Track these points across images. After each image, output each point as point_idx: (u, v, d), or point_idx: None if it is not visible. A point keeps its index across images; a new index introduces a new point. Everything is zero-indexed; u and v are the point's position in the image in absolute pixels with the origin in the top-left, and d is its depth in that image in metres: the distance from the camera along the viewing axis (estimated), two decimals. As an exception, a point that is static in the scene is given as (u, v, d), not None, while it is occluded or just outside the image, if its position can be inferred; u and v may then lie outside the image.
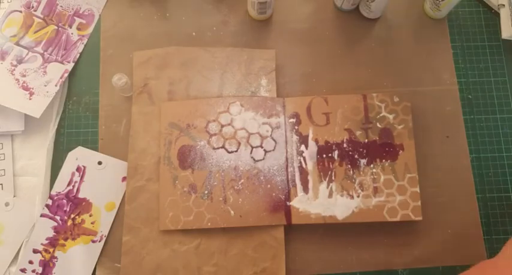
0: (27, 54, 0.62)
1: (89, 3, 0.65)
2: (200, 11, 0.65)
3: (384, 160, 0.57)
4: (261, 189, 0.56)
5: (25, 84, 0.60)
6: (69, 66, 0.62)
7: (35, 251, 0.56)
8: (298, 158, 0.57)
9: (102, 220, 0.58)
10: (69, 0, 0.65)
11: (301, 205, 0.56)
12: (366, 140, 0.57)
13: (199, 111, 0.59)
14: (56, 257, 0.56)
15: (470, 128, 0.62)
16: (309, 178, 0.56)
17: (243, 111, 0.59)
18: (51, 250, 0.56)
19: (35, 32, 0.63)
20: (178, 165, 0.57)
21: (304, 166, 0.57)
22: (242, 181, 0.57)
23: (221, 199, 0.56)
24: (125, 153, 0.59)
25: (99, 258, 0.56)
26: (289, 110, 0.59)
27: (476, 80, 0.64)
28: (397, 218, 0.55)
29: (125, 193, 0.58)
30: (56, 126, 0.61)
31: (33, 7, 0.63)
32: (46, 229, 0.57)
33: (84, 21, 0.65)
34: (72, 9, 0.65)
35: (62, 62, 0.62)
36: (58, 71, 0.62)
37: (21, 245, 0.56)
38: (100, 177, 0.59)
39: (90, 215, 0.57)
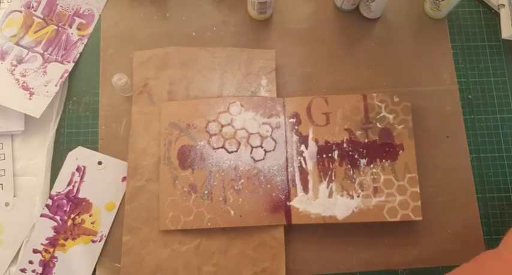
0: (27, 54, 0.62)
1: (89, 3, 0.65)
2: (200, 11, 0.65)
3: (383, 160, 0.57)
4: (261, 189, 0.56)
5: (25, 84, 0.60)
6: (69, 66, 0.62)
7: (35, 251, 0.56)
8: (298, 158, 0.57)
9: (102, 220, 0.58)
10: (69, 0, 0.65)
11: (301, 205, 0.56)
12: (366, 140, 0.57)
13: (199, 111, 0.59)
14: (56, 257, 0.56)
15: (470, 128, 0.62)
16: (309, 178, 0.56)
17: (243, 111, 0.59)
18: (51, 250, 0.56)
19: (35, 32, 0.63)
20: (178, 165, 0.57)
21: (304, 166, 0.57)
22: (242, 181, 0.57)
23: (221, 199, 0.56)
24: (125, 153, 0.59)
25: (99, 258, 0.56)
26: (289, 110, 0.59)
27: (476, 80, 0.64)
28: (397, 218, 0.55)
29: (125, 193, 0.58)
30: (56, 126, 0.61)
31: (33, 7, 0.63)
32: (46, 229, 0.57)
33: (84, 21, 0.65)
34: (72, 9, 0.65)
35: (62, 62, 0.62)
36: (58, 71, 0.62)
37: (21, 245, 0.56)
38: (100, 177, 0.59)
39: (90, 215, 0.57)
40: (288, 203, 0.56)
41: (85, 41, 0.64)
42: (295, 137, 0.58)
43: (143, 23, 0.65)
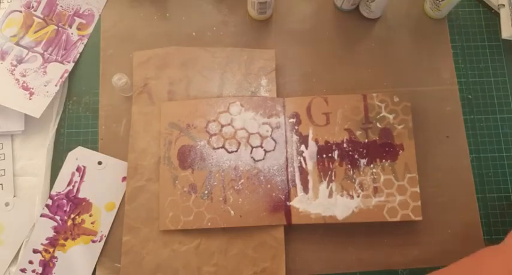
0: (27, 54, 0.62)
1: (89, 3, 0.65)
2: (200, 11, 0.65)
3: (384, 160, 0.57)
4: (261, 189, 0.56)
5: (25, 84, 0.60)
6: (69, 66, 0.62)
7: (35, 251, 0.56)
8: (298, 158, 0.57)
9: (102, 220, 0.58)
10: (69, 0, 0.65)
11: (301, 205, 0.56)
12: (366, 140, 0.57)
13: (199, 111, 0.59)
14: (56, 257, 0.56)
15: (470, 128, 0.62)
16: (309, 178, 0.56)
17: (243, 111, 0.59)
18: (51, 250, 0.56)
19: (35, 32, 0.63)
20: (178, 165, 0.57)
21: (304, 166, 0.57)
22: (242, 181, 0.57)
23: (221, 199, 0.56)
24: (125, 153, 0.59)
25: (99, 258, 0.56)
26: (289, 110, 0.59)
27: (476, 80, 0.64)
28: (397, 218, 0.55)
29: (125, 193, 0.58)
30: (56, 126, 0.61)
31: (33, 7, 0.63)
32: (46, 229, 0.57)
33: (84, 21, 0.65)
34: (72, 9, 0.65)
35: (62, 62, 0.62)
36: (58, 71, 0.62)
37: (21, 245, 0.56)
38: (100, 177, 0.59)
39: (90, 215, 0.57)
40: (288, 203, 0.56)
41: (85, 41, 0.64)
42: (295, 137, 0.58)
43: (143, 23, 0.65)
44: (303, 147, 0.57)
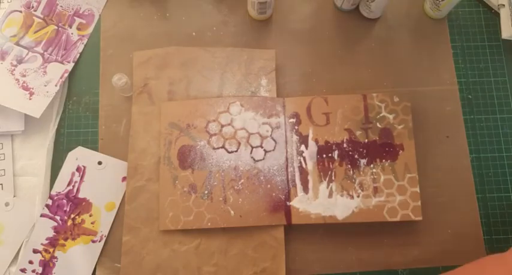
0: (27, 54, 0.62)
1: (89, 3, 0.65)
2: (200, 11, 0.65)
3: (384, 160, 0.57)
4: (261, 189, 0.56)
5: (25, 84, 0.60)
6: (69, 66, 0.62)
7: (35, 251, 0.56)
8: (298, 158, 0.57)
9: (102, 220, 0.58)
10: (69, 0, 0.65)
11: (301, 205, 0.56)
12: (366, 140, 0.57)
13: (199, 111, 0.59)
14: (56, 257, 0.56)
15: (470, 128, 0.62)
16: (309, 178, 0.56)
17: (243, 111, 0.59)
18: (51, 250, 0.56)
19: (35, 32, 0.63)
20: (178, 165, 0.57)
21: (304, 166, 0.57)
22: (242, 181, 0.57)
23: (221, 199, 0.56)
24: (125, 153, 0.59)
25: (99, 258, 0.56)
26: (289, 110, 0.59)
27: (476, 80, 0.64)
28: (397, 218, 0.55)
29: (125, 193, 0.58)
30: (56, 126, 0.61)
31: (33, 7, 0.63)
32: (46, 229, 0.57)
33: (84, 21, 0.65)
34: (72, 9, 0.65)
35: (62, 62, 0.62)
36: (58, 71, 0.62)
37: (21, 245, 0.56)
38: (100, 177, 0.59)
39: (90, 215, 0.57)
40: (288, 203, 0.56)
41: (85, 41, 0.64)
42: (295, 137, 0.58)
43: (143, 23, 0.65)
44: (303, 147, 0.57)
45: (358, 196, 0.56)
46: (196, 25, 0.65)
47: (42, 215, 0.57)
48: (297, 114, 0.59)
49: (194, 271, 0.56)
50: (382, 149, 0.57)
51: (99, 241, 0.57)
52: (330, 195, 0.56)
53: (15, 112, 0.59)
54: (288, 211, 0.56)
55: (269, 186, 0.56)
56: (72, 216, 0.57)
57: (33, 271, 0.55)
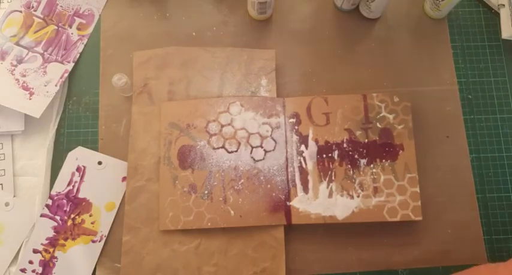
0: (27, 54, 0.62)
1: (89, 3, 0.65)
2: (200, 11, 0.65)
3: (384, 160, 0.57)
4: (261, 189, 0.56)
5: (25, 84, 0.60)
6: (69, 66, 0.62)
7: (35, 251, 0.56)
8: (298, 158, 0.57)
9: (102, 220, 0.58)
10: (69, 0, 0.65)
11: (301, 205, 0.56)
12: (366, 140, 0.57)
13: (199, 111, 0.59)
14: (56, 257, 0.56)
15: (470, 128, 0.62)
16: (309, 178, 0.56)
17: (243, 111, 0.59)
18: (51, 250, 0.56)
19: (35, 32, 0.63)
20: (178, 165, 0.57)
21: (304, 166, 0.57)
22: (242, 181, 0.57)
23: (221, 199, 0.56)
24: (125, 153, 0.59)
25: (99, 258, 0.56)
26: (289, 110, 0.59)
27: (476, 80, 0.64)
28: (397, 218, 0.55)
29: (125, 193, 0.58)
30: (56, 126, 0.61)
31: (33, 7, 0.63)
32: (46, 229, 0.57)
33: (84, 21, 0.65)
34: (72, 9, 0.65)
35: (62, 62, 0.62)
36: (58, 71, 0.62)
37: (21, 245, 0.56)
38: (100, 177, 0.59)
39: (90, 215, 0.57)
40: (288, 203, 0.56)
41: (85, 41, 0.64)
42: (295, 137, 0.58)
43: (143, 23, 0.65)
44: (303, 147, 0.57)
45: (358, 196, 0.56)
46: (196, 25, 0.65)
47: (42, 215, 0.57)
48: (297, 114, 0.59)
49: (194, 271, 0.56)
50: (382, 149, 0.57)
51: (99, 241, 0.57)
52: (330, 195, 0.56)
53: (15, 112, 0.59)
54: (288, 211, 0.56)
55: (269, 186, 0.56)
56: (72, 216, 0.57)
57: (33, 271, 0.55)
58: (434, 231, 0.58)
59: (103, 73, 0.63)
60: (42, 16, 0.63)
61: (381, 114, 0.58)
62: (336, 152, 0.57)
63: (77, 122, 0.61)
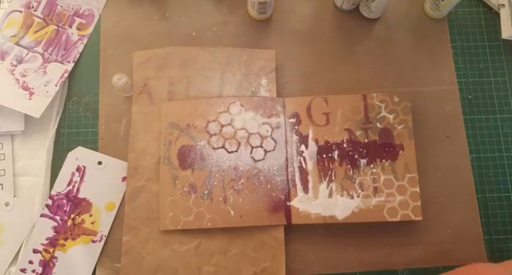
0: (27, 54, 0.62)
1: (89, 3, 0.65)
2: (200, 11, 0.65)
3: (384, 160, 0.57)
4: (261, 189, 0.56)
5: (25, 84, 0.60)
6: (69, 66, 0.62)
7: (35, 251, 0.56)
8: (298, 158, 0.57)
9: (102, 220, 0.58)
10: (69, 0, 0.65)
11: (301, 205, 0.56)
12: (366, 140, 0.57)
13: (199, 111, 0.59)
14: (56, 257, 0.56)
15: (470, 128, 0.62)
16: (309, 178, 0.56)
17: (243, 111, 0.59)
18: (51, 250, 0.56)
19: (35, 32, 0.63)
20: (178, 165, 0.57)
21: (304, 166, 0.57)
22: (242, 181, 0.57)
23: (221, 199, 0.56)
24: (125, 153, 0.59)
25: (99, 258, 0.56)
26: (289, 110, 0.59)
27: (476, 80, 0.64)
28: (397, 218, 0.55)
29: (125, 193, 0.58)
30: (56, 126, 0.61)
31: (33, 7, 0.63)
32: (46, 229, 0.57)
33: (84, 21, 0.65)
34: (72, 9, 0.65)
35: (62, 62, 0.62)
36: (58, 71, 0.62)
37: (21, 245, 0.56)
38: (100, 177, 0.59)
39: (90, 215, 0.57)
40: (288, 203, 0.56)
41: (85, 41, 0.64)
42: (295, 137, 0.58)
43: (143, 23, 0.65)
44: (303, 147, 0.57)
45: (358, 196, 0.56)
46: (196, 25, 0.65)
47: (42, 215, 0.57)
48: (297, 114, 0.59)
49: (194, 271, 0.56)
50: (382, 149, 0.57)
51: (99, 241, 0.57)
52: (330, 195, 0.56)
53: (15, 112, 0.59)
54: (288, 211, 0.56)
55: (269, 186, 0.56)
56: (72, 216, 0.57)
57: (33, 271, 0.55)
58: (434, 231, 0.58)
59: (103, 73, 0.63)
60: (42, 16, 0.63)
61: (381, 114, 0.58)
62: (336, 152, 0.57)
63: (77, 122, 0.61)
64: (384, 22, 0.65)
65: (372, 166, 0.57)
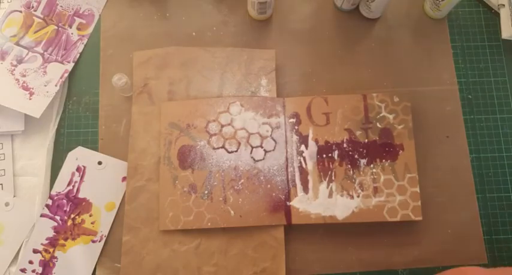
0: (27, 54, 0.62)
1: (89, 3, 0.65)
2: (200, 11, 0.65)
3: (384, 160, 0.57)
4: (261, 189, 0.56)
5: (25, 84, 0.60)
6: (69, 66, 0.62)
7: (35, 251, 0.56)
8: (298, 158, 0.57)
9: (102, 220, 0.58)
10: (69, 0, 0.65)
11: (301, 205, 0.56)
12: (366, 140, 0.57)
13: (199, 111, 0.59)
14: (56, 257, 0.56)
15: (470, 128, 0.62)
16: (309, 178, 0.56)
17: (243, 111, 0.59)
18: (51, 250, 0.56)
19: (35, 32, 0.63)
20: (178, 165, 0.57)
21: (304, 166, 0.57)
22: (242, 181, 0.57)
23: (221, 199, 0.56)
24: (125, 153, 0.59)
25: (99, 258, 0.56)
26: (289, 110, 0.59)
27: (476, 80, 0.64)
28: (397, 218, 0.55)
29: (125, 193, 0.58)
30: (56, 126, 0.61)
31: (33, 7, 0.63)
32: (46, 229, 0.57)
33: (84, 21, 0.65)
34: (72, 9, 0.65)
35: (62, 62, 0.62)
36: (58, 71, 0.62)
37: (21, 245, 0.56)
38: (100, 177, 0.59)
39: (90, 215, 0.57)
40: (288, 203, 0.56)
41: (85, 41, 0.64)
42: (295, 137, 0.58)
43: (143, 23, 0.65)
44: (303, 147, 0.57)
45: (358, 196, 0.56)
46: (196, 25, 0.65)
47: (42, 215, 0.57)
48: (297, 114, 0.59)
49: (194, 271, 0.56)
50: (382, 149, 0.57)
51: (99, 241, 0.57)
52: (330, 195, 0.56)
53: (15, 112, 0.59)
54: (288, 211, 0.56)
55: (269, 186, 0.56)
56: (72, 216, 0.57)
57: (33, 271, 0.55)
58: (434, 231, 0.58)
59: (103, 73, 0.63)
60: (42, 16, 0.63)
61: (380, 114, 0.58)
62: (336, 152, 0.57)
63: (77, 122, 0.61)
64: (384, 22, 0.65)
65: (372, 166, 0.57)
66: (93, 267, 0.56)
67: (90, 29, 0.65)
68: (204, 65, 0.62)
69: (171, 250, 0.56)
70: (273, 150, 0.58)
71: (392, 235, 0.57)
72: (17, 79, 0.60)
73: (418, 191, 0.56)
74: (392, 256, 0.57)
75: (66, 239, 0.57)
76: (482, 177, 0.60)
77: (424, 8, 0.66)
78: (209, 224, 0.56)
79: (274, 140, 0.58)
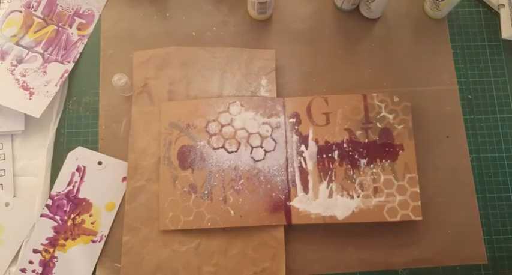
0: (27, 54, 0.62)
1: (89, 3, 0.65)
2: (200, 11, 0.65)
3: (383, 160, 0.57)
4: (261, 189, 0.56)
5: (25, 84, 0.60)
6: (69, 66, 0.62)
7: (35, 251, 0.56)
8: (298, 158, 0.57)
9: (102, 220, 0.58)
10: (69, 0, 0.65)
11: (301, 205, 0.56)
12: (366, 140, 0.57)
13: (199, 111, 0.59)
14: (56, 257, 0.56)
15: (470, 128, 0.62)
16: (309, 178, 0.56)
17: (243, 111, 0.59)
18: (51, 250, 0.56)
19: (35, 32, 0.63)
20: (178, 165, 0.57)
21: (304, 166, 0.57)
22: (242, 181, 0.57)
23: (221, 199, 0.56)
24: (125, 153, 0.59)
25: (99, 258, 0.56)
26: (289, 110, 0.59)
27: (476, 80, 0.64)
28: (397, 218, 0.55)
29: (125, 193, 0.58)
30: (56, 126, 0.61)
31: (33, 7, 0.63)
32: (46, 229, 0.57)
33: (84, 21, 0.65)
34: (72, 9, 0.65)
35: (62, 62, 0.62)
36: (58, 71, 0.62)
37: (21, 245, 0.56)
38: (100, 177, 0.59)
39: (90, 215, 0.57)
40: (288, 203, 0.56)
41: (85, 41, 0.64)
42: (295, 137, 0.58)
43: (143, 23, 0.65)
44: (303, 147, 0.57)
45: (358, 196, 0.56)
46: (196, 25, 0.65)
47: (42, 215, 0.57)
48: (297, 114, 0.59)
49: (194, 271, 0.56)
50: (382, 149, 0.57)
51: (99, 241, 0.57)
52: (330, 195, 0.56)
53: (15, 112, 0.59)
54: (288, 211, 0.56)
55: (269, 186, 0.56)
56: (72, 216, 0.57)
57: (33, 271, 0.55)
58: (434, 231, 0.58)
59: (103, 73, 0.63)
60: (42, 16, 0.63)
61: (380, 114, 0.58)
62: (336, 152, 0.57)
63: (77, 122, 0.61)
64: (384, 22, 0.65)
65: (372, 166, 0.57)
66: (93, 267, 0.56)
67: (90, 29, 0.65)
68: (204, 65, 0.62)
69: (171, 250, 0.56)
70: (273, 150, 0.58)
71: (392, 235, 0.57)
72: (17, 79, 0.60)
73: (418, 191, 0.56)
74: (392, 256, 0.57)
75: (66, 239, 0.57)
76: (482, 177, 0.60)
77: (424, 8, 0.66)
78: (209, 224, 0.56)
79: (274, 140, 0.58)
